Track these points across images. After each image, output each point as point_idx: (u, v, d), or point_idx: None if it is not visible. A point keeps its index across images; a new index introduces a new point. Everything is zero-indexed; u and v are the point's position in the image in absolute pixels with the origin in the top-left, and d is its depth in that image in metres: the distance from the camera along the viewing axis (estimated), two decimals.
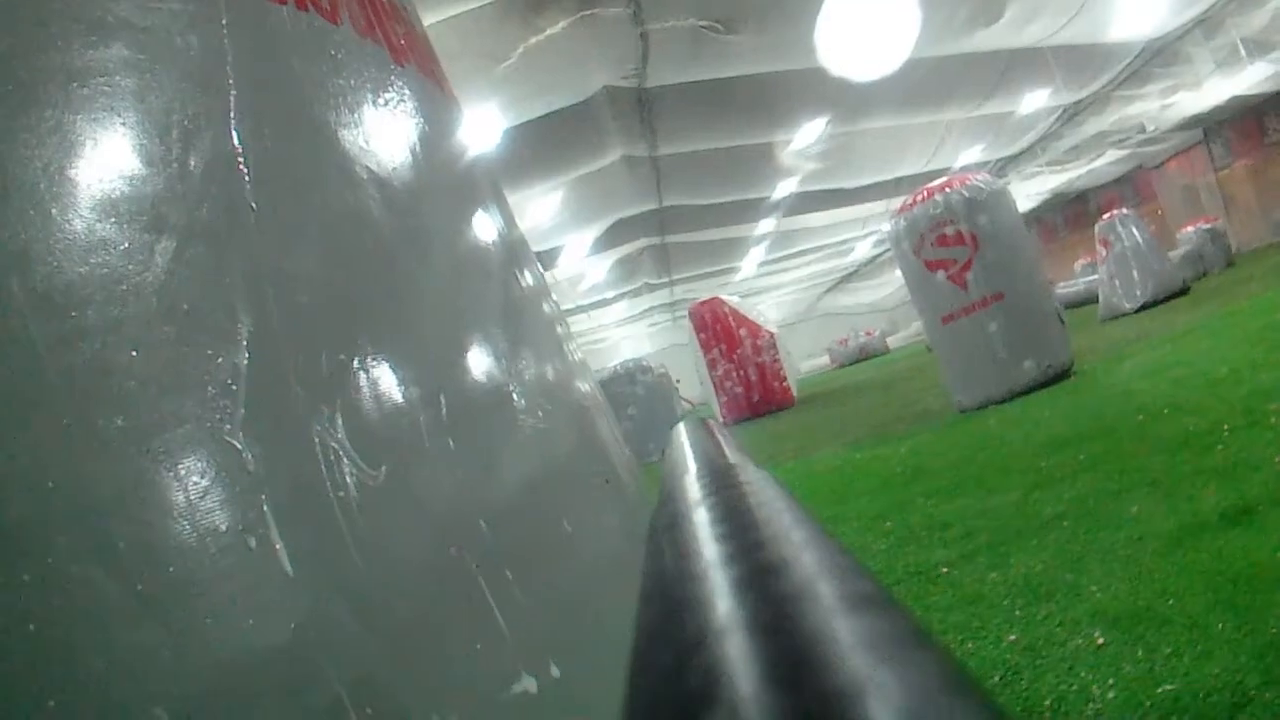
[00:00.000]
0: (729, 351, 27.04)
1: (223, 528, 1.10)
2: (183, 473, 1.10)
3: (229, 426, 1.15)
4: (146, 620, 1.01)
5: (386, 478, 1.28)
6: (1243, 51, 22.99)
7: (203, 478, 1.11)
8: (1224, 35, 22.21)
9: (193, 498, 1.09)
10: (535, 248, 24.09)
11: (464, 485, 1.44)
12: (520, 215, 16.33)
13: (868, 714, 0.42)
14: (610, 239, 26.93)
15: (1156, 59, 23.22)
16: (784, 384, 27.44)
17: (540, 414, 1.75)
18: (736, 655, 0.52)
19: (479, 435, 1.54)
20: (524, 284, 2.05)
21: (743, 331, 27.06)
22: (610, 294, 37.19)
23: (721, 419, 24.89)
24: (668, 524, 0.96)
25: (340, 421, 1.25)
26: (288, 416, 1.23)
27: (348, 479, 1.22)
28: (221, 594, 1.08)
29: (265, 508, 1.14)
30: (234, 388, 1.17)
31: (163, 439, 1.10)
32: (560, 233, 24.12)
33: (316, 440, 1.21)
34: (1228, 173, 36.53)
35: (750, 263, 39.21)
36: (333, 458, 1.21)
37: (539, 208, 20.86)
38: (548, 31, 13.30)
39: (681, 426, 2.10)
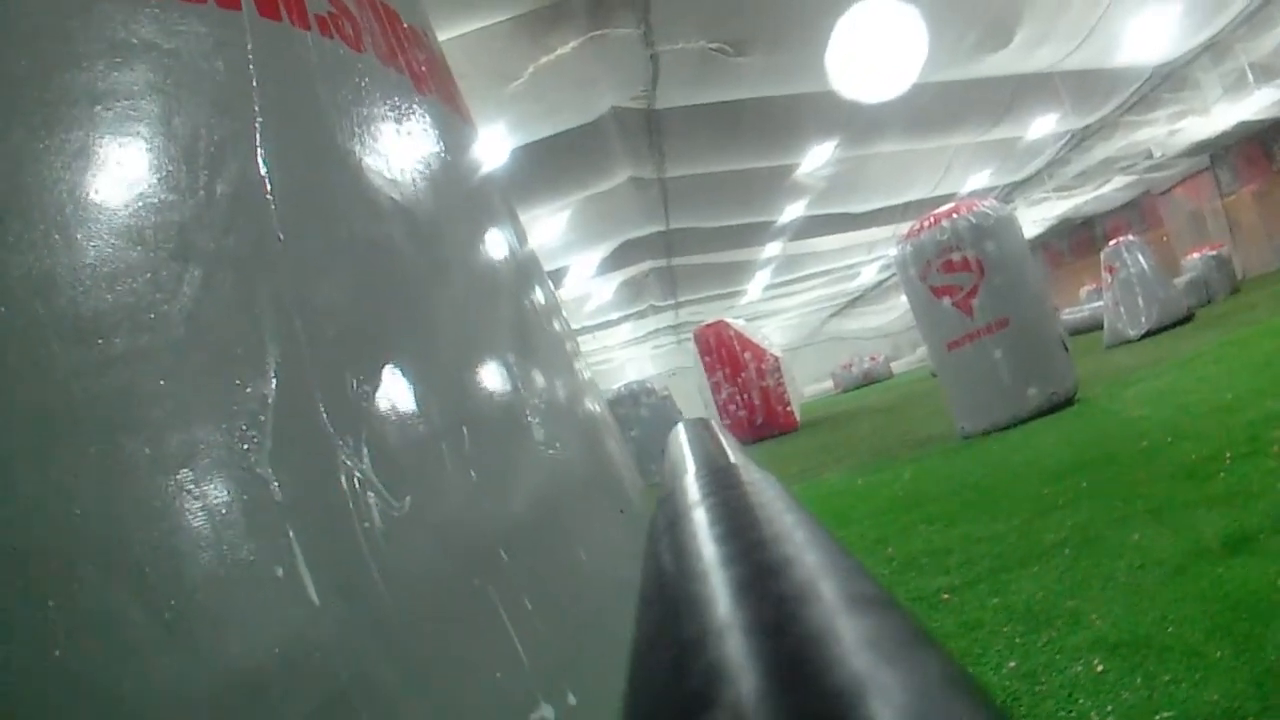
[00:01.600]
0: (733, 375, 27.02)
1: (250, 557, 1.11)
2: (209, 502, 1.10)
3: (255, 456, 1.15)
4: (173, 648, 1.02)
5: (410, 507, 1.28)
6: (1250, 77, 22.95)
7: (229, 507, 1.11)
8: (1232, 60, 22.18)
9: (219, 527, 1.09)
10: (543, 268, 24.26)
11: (484, 513, 1.44)
12: (528, 234, 16.44)
13: (869, 714, 0.42)
14: (617, 260, 26.91)
15: (1164, 84, 23.22)
16: (787, 408, 27.41)
17: (557, 441, 1.75)
18: (736, 655, 0.52)
19: (498, 462, 1.54)
20: (538, 305, 2.06)
21: (747, 355, 27.04)
22: (616, 315, 37.14)
23: None
24: (668, 524, 0.96)
25: (365, 451, 1.25)
26: (313, 446, 1.23)
27: (373, 508, 1.21)
28: (247, 623, 1.09)
29: (291, 536, 1.14)
30: (261, 418, 1.17)
31: (189, 467, 1.10)
32: (567, 253, 24.10)
33: (342, 470, 1.21)
34: (1234, 199, 36.43)
35: (756, 286, 39.18)
36: (358, 487, 1.21)
37: (546, 227, 20.85)
38: (558, 51, 13.32)
39: (681, 427, 2.11)
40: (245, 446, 1.14)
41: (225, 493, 1.12)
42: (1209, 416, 8.09)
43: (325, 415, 1.24)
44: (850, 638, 0.51)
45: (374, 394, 1.33)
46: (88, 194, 1.14)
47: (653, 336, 49.04)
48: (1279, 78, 23.27)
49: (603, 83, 14.94)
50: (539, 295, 2.11)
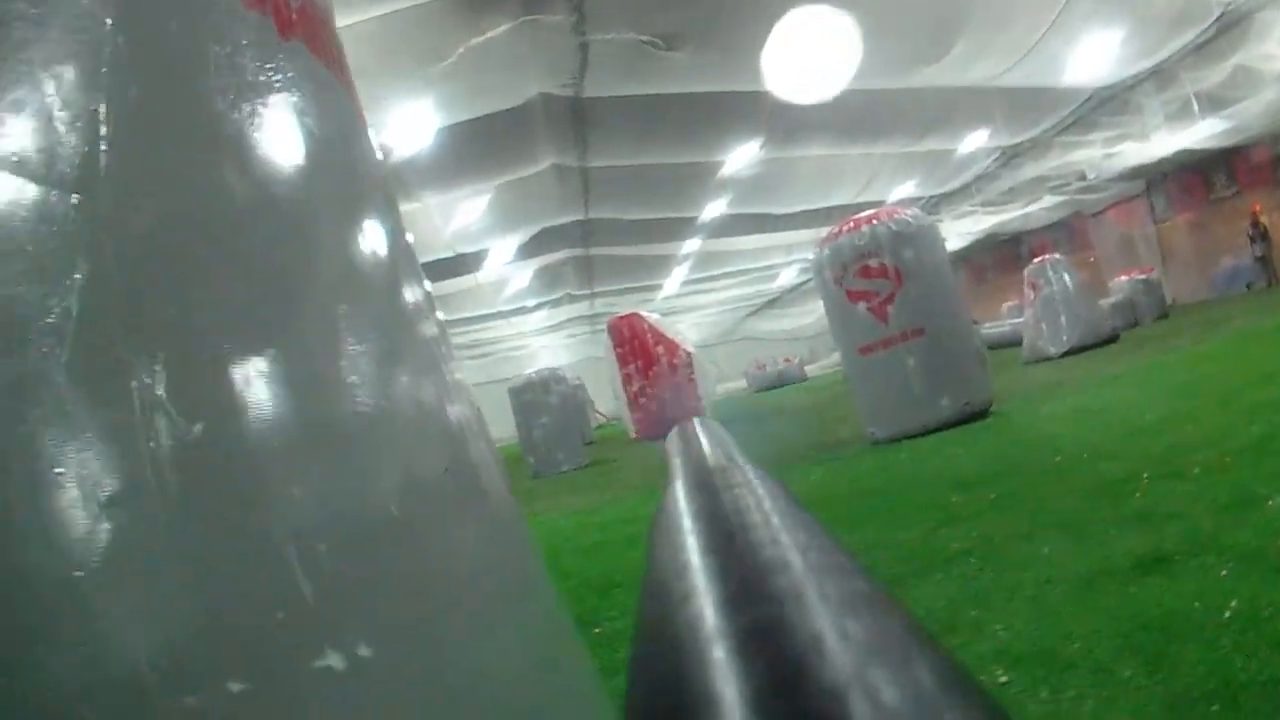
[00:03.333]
0: (645, 368, 27.08)
1: (30, 474, 1.02)
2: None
3: (50, 368, 1.06)
4: None
5: (201, 436, 1.19)
6: (1195, 106, 23.28)
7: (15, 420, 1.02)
8: (1177, 89, 22.54)
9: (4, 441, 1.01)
10: (460, 250, 24.13)
11: (307, 505, 1.36)
12: (448, 216, 16.33)
13: (868, 713, 0.40)
14: (535, 246, 27.04)
15: (1104, 107, 23.60)
16: (698, 404, 27.52)
17: (402, 433, 1.67)
18: (736, 654, 0.51)
19: (321, 440, 1.46)
20: (405, 290, 1.97)
21: (660, 349, 27.11)
22: (532, 302, 37.30)
23: (634, 435, 24.98)
24: (668, 524, 0.95)
25: (165, 377, 1.17)
26: (110, 368, 1.14)
27: (162, 434, 1.13)
28: (24, 545, 0.99)
29: (75, 454, 1.05)
30: (62, 332, 1.08)
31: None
32: (486, 236, 24.15)
33: (135, 392, 1.13)
34: (1168, 225, 37.09)
35: (674, 281, 39.43)
36: (149, 408, 1.13)
37: (466, 210, 20.85)
38: (489, 34, 13.31)
39: (682, 426, 2.07)
40: (42, 355, 1.05)
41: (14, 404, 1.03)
42: (1127, 437, 8.12)
43: (125, 338, 1.15)
44: (850, 637, 0.49)
45: (178, 324, 1.24)
46: None
47: (567, 325, 49.34)
48: (1225, 108, 23.56)
49: (531, 68, 14.97)
50: (406, 277, 2.01)
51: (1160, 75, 21.73)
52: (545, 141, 18.32)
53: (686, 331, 32.92)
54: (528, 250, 27.30)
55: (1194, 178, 34.94)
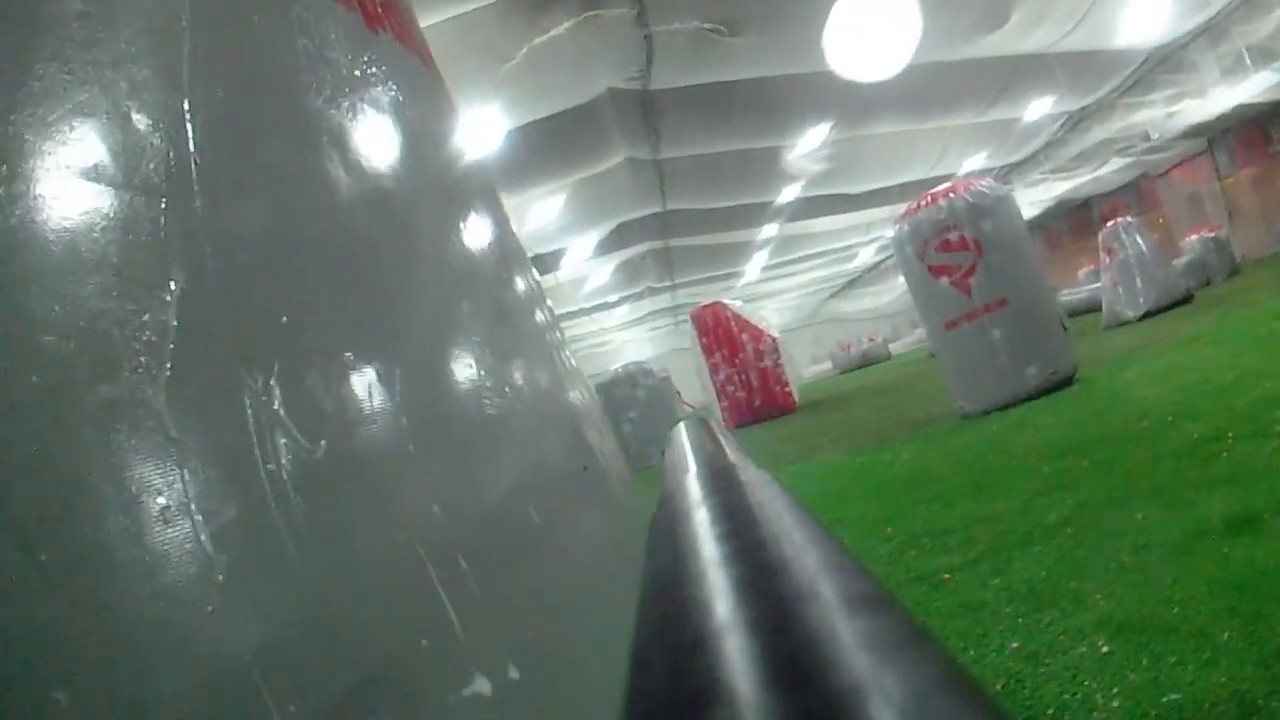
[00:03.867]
0: (731, 356, 27.03)
1: (137, 495, 1.00)
2: (96, 434, 1.00)
3: (151, 390, 1.05)
4: (47, 589, 0.92)
5: (324, 454, 1.19)
6: (1248, 60, 22.98)
7: (116, 441, 1.01)
8: (1229, 44, 22.24)
9: (104, 461, 1.00)
10: (538, 250, 24.18)
11: (433, 498, 1.36)
12: (523, 218, 16.34)
13: (868, 714, 0.41)
14: (613, 242, 26.98)
15: (1161, 67, 23.27)
16: (786, 389, 27.43)
17: (525, 421, 1.68)
18: (736, 655, 0.51)
19: (449, 443, 1.47)
20: (513, 283, 1.97)
21: (745, 336, 27.05)
22: (613, 297, 37.27)
23: (723, 423, 24.87)
24: (668, 524, 0.94)
25: (278, 393, 1.17)
26: (216, 384, 1.13)
27: (281, 452, 1.14)
28: (130, 566, 0.98)
29: (184, 477, 1.05)
30: (160, 349, 1.07)
31: (82, 400, 1.00)
32: (563, 235, 24.16)
33: (248, 410, 1.13)
34: (1232, 181, 36.52)
35: (754, 267, 39.29)
36: (265, 429, 1.13)
37: (542, 210, 20.89)
38: (552, 32, 13.32)
39: (681, 426, 2.07)
40: (140, 376, 1.06)
41: (114, 426, 1.02)
42: (1210, 397, 8.05)
43: (230, 350, 1.15)
44: (850, 638, 0.49)
45: (288, 332, 1.24)
46: None
47: (650, 318, 49.22)
48: (1276, 61, 23.27)
49: (597, 64, 14.96)
50: (515, 272, 2.02)
51: (1212, 31, 21.44)
52: (617, 136, 18.30)
53: (770, 317, 32.84)
54: (606, 246, 27.26)
55: (1253, 131, 34.41)
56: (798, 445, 15.81)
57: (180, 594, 1.01)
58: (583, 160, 19.13)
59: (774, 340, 27.73)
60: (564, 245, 25.49)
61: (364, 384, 1.31)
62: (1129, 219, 20.81)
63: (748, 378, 26.94)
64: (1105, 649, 3.71)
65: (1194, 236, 29.35)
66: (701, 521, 0.85)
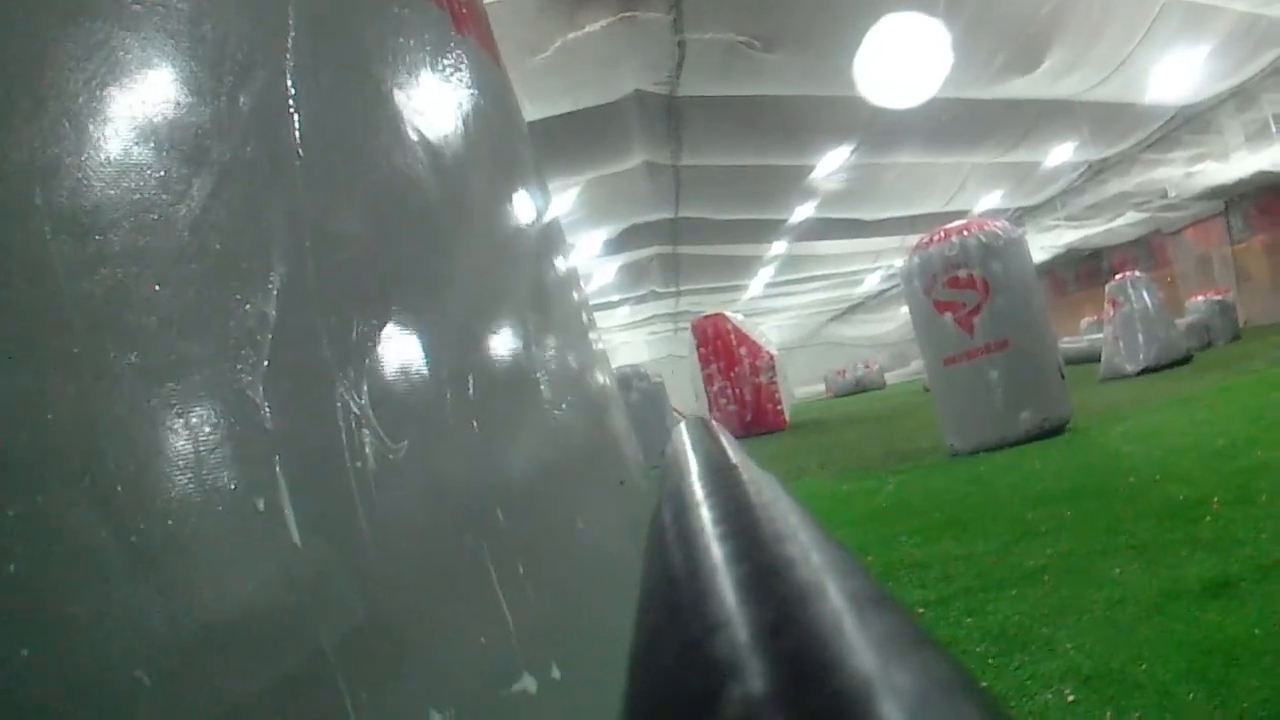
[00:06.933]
0: (727, 368, 27.06)
1: (230, 485, 1.04)
2: (193, 421, 1.03)
3: (249, 378, 1.08)
4: (137, 573, 0.95)
5: (406, 452, 1.22)
6: (1273, 128, 22.97)
7: (214, 429, 1.04)
8: (1256, 110, 22.21)
9: (201, 449, 1.02)
10: None
11: (482, 469, 1.38)
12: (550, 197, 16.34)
13: (872, 713, 0.42)
14: (622, 242, 26.92)
15: (1187, 125, 23.24)
16: (778, 407, 27.47)
17: (563, 404, 1.71)
18: (737, 655, 0.52)
19: (501, 418, 1.49)
20: (556, 267, 2.02)
21: (743, 350, 27.09)
22: (616, 297, 37.16)
23: None
24: (668, 524, 0.95)
25: (365, 388, 1.18)
26: (311, 376, 1.16)
27: (367, 449, 1.15)
28: (219, 555, 1.02)
29: (277, 469, 1.07)
30: (258, 338, 1.10)
31: (177, 382, 1.03)
32: (573, 230, 24.10)
33: (339, 404, 1.15)
34: (1244, 246, 36.44)
35: (758, 283, 39.20)
36: (354, 425, 1.14)
37: (555, 202, 20.83)
38: (587, 28, 13.30)
39: (683, 426, 2.09)
40: (239, 367, 1.09)
41: (213, 413, 1.05)
42: (1199, 460, 8.09)
43: (327, 346, 1.18)
44: (851, 638, 0.50)
45: (379, 329, 1.27)
46: (103, 86, 1.08)
47: (650, 322, 49.10)
48: None
49: (627, 65, 14.93)
50: (558, 258, 2.06)
51: (1241, 96, 21.41)
52: (639, 138, 18.26)
53: (769, 333, 32.82)
54: (615, 245, 27.18)
55: (1272, 199, 34.31)
56: (784, 465, 15.78)
57: (269, 583, 1.05)
58: (601, 158, 19.08)
59: (771, 357, 27.76)
60: (573, 240, 25.43)
61: (447, 386, 1.35)
62: (1138, 274, 20.86)
63: (741, 392, 26.98)
64: (1071, 698, 3.75)
65: (1199, 297, 29.30)
66: (702, 521, 0.86)
